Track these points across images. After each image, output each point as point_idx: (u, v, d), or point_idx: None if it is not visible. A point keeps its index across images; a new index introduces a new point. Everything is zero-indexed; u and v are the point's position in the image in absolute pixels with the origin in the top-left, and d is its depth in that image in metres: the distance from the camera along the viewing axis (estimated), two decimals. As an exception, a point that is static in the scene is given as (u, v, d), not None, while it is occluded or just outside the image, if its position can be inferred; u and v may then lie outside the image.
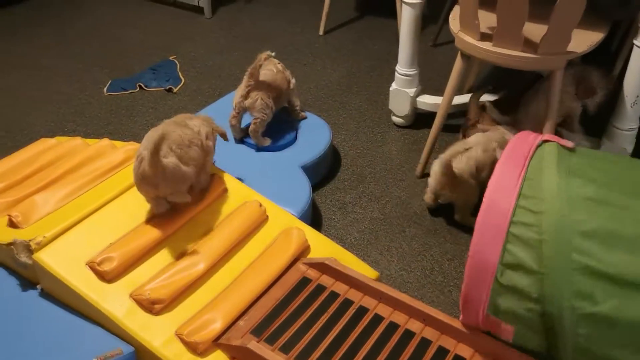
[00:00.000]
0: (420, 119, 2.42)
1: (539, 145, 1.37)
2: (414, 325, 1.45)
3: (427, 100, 2.33)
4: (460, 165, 1.81)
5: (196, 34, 3.24)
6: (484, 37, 1.82)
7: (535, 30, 1.76)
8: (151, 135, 1.54)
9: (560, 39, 1.72)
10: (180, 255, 1.56)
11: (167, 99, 2.67)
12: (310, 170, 2.01)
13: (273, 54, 2.04)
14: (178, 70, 2.90)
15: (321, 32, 3.22)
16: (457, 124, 2.37)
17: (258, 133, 2.03)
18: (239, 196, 1.75)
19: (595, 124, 2.06)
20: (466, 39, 1.85)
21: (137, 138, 2.38)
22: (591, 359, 1.25)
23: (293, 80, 2.18)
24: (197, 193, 1.70)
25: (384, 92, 2.66)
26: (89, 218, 1.60)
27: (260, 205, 1.70)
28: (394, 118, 2.43)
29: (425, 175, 2.14)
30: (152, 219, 1.62)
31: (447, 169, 1.79)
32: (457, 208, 1.89)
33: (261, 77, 2.03)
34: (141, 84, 2.75)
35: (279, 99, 2.09)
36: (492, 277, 1.29)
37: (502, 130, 1.95)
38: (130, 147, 1.86)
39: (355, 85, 2.73)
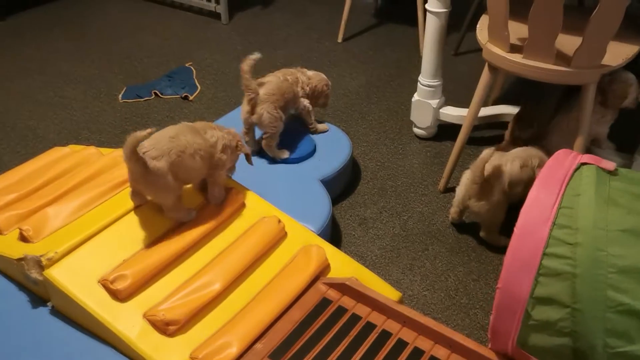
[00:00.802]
0: (443, 131, 2.35)
1: (576, 168, 1.30)
2: (440, 352, 1.38)
3: (451, 112, 2.26)
4: (495, 163, 1.75)
5: (212, 40, 3.19)
6: (514, 48, 1.75)
7: (568, 42, 1.69)
8: (160, 134, 1.51)
9: (595, 52, 1.65)
10: (195, 273, 1.50)
11: (183, 106, 2.62)
12: (329, 183, 1.95)
13: (259, 56, 1.97)
14: (194, 77, 2.85)
15: (340, 40, 3.16)
16: (482, 136, 2.30)
17: (272, 147, 1.97)
18: (257, 212, 1.68)
19: (628, 139, 1.97)
20: (495, 51, 1.78)
21: (152, 147, 2.34)
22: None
23: (312, 84, 2.13)
24: (213, 208, 1.64)
25: (404, 102, 2.59)
26: (102, 233, 1.54)
27: (279, 221, 1.64)
28: (415, 130, 2.36)
29: (448, 190, 2.07)
30: (167, 235, 1.56)
31: (479, 174, 1.72)
32: (484, 224, 1.81)
33: (262, 91, 1.97)
34: (157, 91, 2.70)
35: (286, 107, 2.03)
36: (523, 310, 1.22)
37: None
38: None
39: (374, 95, 2.67)
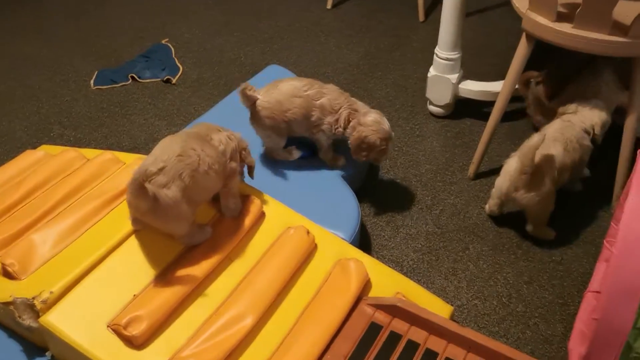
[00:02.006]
0: (459, 107, 2.14)
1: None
2: (516, 382, 1.20)
3: (472, 87, 2.05)
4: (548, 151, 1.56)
5: (189, 13, 2.87)
6: (561, 17, 1.54)
7: (624, 10, 1.48)
8: (163, 151, 1.26)
9: (658, 18, 1.45)
10: (220, 304, 1.27)
11: (166, 91, 2.33)
12: (350, 179, 1.72)
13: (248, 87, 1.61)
14: (174, 56, 2.55)
15: (329, 6, 2.89)
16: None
17: (275, 155, 1.71)
18: (280, 222, 1.45)
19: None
20: (538, 20, 1.56)
21: (137, 141, 2.07)
22: None
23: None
24: (229, 222, 1.41)
25: (411, 75, 2.37)
26: (103, 262, 1.29)
27: (308, 232, 1.42)
28: (430, 107, 2.14)
29: (478, 176, 1.87)
30: (181, 260, 1.32)
31: (529, 163, 1.52)
32: (531, 217, 1.62)
33: (260, 99, 1.63)
34: (133, 75, 2.40)
35: (290, 127, 1.65)
36: (623, 342, 1.04)
37: (569, 119, 1.67)
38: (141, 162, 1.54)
39: (377, 69, 2.43)
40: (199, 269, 1.30)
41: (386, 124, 1.62)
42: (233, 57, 2.52)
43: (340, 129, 1.61)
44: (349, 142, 1.62)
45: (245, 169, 1.47)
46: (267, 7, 2.90)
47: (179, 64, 2.49)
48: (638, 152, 1.28)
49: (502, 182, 1.61)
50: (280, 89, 1.62)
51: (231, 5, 2.93)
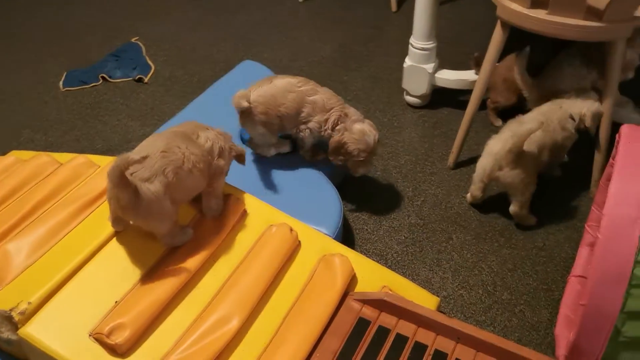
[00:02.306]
0: (436, 97, 2.13)
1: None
2: (506, 371, 1.20)
3: (448, 77, 2.04)
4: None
5: (159, 10, 2.82)
6: (536, 3, 1.53)
7: (596, -6, 1.48)
8: (147, 147, 1.23)
9: (632, 1, 1.45)
10: (205, 307, 1.25)
11: (139, 91, 2.28)
12: (330, 174, 1.70)
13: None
14: (144, 54, 2.49)
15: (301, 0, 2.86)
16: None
17: (263, 153, 1.70)
18: (262, 220, 1.43)
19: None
20: (513, 7, 1.56)
21: (111, 143, 2.02)
22: None
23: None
24: (211, 222, 1.38)
25: (387, 66, 2.36)
26: (82, 270, 1.26)
27: (291, 229, 1.40)
28: (407, 98, 2.13)
29: (458, 165, 1.87)
30: (162, 263, 1.29)
31: (521, 145, 1.54)
32: (516, 196, 1.63)
33: (253, 94, 1.62)
34: (104, 75, 2.35)
35: (283, 125, 1.63)
36: (611, 327, 1.04)
37: (561, 104, 1.68)
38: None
39: (352, 61, 2.41)
40: (181, 272, 1.27)
41: (372, 138, 1.58)
42: (206, 54, 2.48)
43: (329, 130, 1.59)
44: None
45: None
46: (238, 2, 2.86)
47: (150, 63, 2.44)
48: (617, 136, 1.29)
49: (486, 163, 1.61)
50: (275, 84, 1.60)
51: (201, 2, 2.88)
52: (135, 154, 1.19)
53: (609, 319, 1.04)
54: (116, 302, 1.21)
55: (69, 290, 1.22)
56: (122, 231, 1.33)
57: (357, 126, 1.58)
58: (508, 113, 1.83)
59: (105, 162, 1.54)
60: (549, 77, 1.84)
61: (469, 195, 1.72)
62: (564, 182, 1.80)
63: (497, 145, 1.58)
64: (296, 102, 1.58)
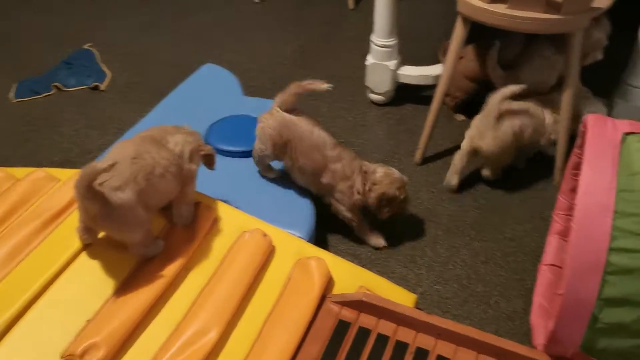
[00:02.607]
0: (399, 94, 2.14)
1: (622, 140, 1.13)
2: (487, 363, 1.21)
3: (411, 73, 2.05)
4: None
5: (111, 14, 2.74)
6: (495, -2, 1.55)
7: (554, -13, 1.51)
8: (116, 155, 1.18)
9: (588, -6, 1.49)
10: (182, 319, 1.21)
11: (95, 99, 2.21)
12: (300, 174, 1.69)
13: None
14: (99, 61, 2.42)
15: (257, 0, 2.82)
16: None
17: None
18: (235, 226, 1.40)
19: (603, 83, 1.86)
20: (473, 2, 1.57)
21: (69, 154, 1.95)
22: None
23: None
24: (182, 231, 1.35)
25: (348, 65, 2.35)
26: (49, 289, 1.21)
27: (265, 234, 1.37)
28: (371, 96, 2.13)
29: (426, 161, 1.88)
30: (134, 276, 1.25)
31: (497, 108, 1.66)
32: (491, 164, 1.74)
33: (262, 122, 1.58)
34: (57, 84, 2.27)
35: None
36: (589, 314, 1.06)
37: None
38: (79, 178, 1.44)
39: (313, 60, 2.40)
40: (155, 284, 1.24)
41: (396, 173, 1.55)
42: (163, 58, 2.43)
43: (359, 196, 1.53)
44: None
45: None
46: (194, 4, 2.80)
47: (105, 69, 2.37)
48: (581, 126, 1.31)
49: (470, 133, 1.71)
50: (313, 132, 1.54)
51: (155, 4, 2.81)
52: (103, 162, 1.15)
53: (587, 307, 1.06)
54: (88, 320, 1.17)
55: (36, 311, 1.17)
56: (91, 245, 1.28)
57: (379, 173, 1.54)
58: (469, 109, 1.86)
59: (67, 176, 1.49)
60: (520, 68, 1.84)
61: (447, 175, 1.75)
62: (527, 172, 1.83)
63: (477, 120, 1.69)
64: (317, 163, 1.52)
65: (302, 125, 1.54)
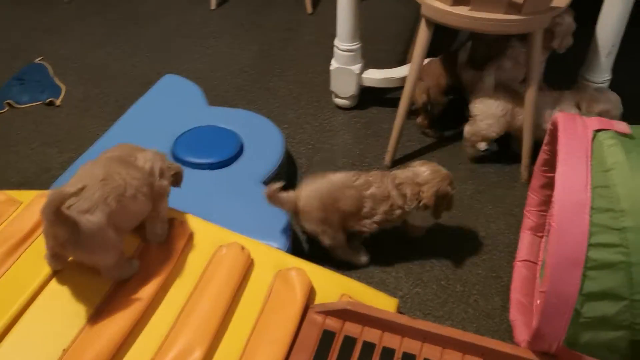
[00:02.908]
0: (364, 97, 2.14)
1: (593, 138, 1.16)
2: (473, 363, 1.22)
3: (375, 76, 2.05)
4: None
5: (62, 26, 2.65)
6: (458, 1, 1.57)
7: (514, -12, 1.54)
8: (83, 177, 1.14)
9: (547, -6, 1.52)
10: (163, 340, 1.18)
11: (51, 115, 2.13)
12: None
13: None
14: (52, 75, 2.33)
15: (213, 7, 2.79)
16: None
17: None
18: (211, 241, 1.37)
19: (560, 78, 1.91)
20: (436, 5, 1.59)
21: (26, 174, 1.88)
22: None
23: None
24: (157, 249, 1.31)
25: (310, 69, 2.34)
26: (21, 319, 1.15)
27: (243, 247, 1.35)
28: (336, 100, 2.13)
29: (395, 163, 1.89)
30: (111, 299, 1.21)
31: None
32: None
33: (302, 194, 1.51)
34: (9, 101, 2.17)
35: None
36: (572, 310, 1.08)
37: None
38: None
39: (275, 66, 2.37)
40: (133, 307, 1.19)
41: (442, 168, 1.50)
42: (120, 70, 2.36)
43: (407, 205, 1.48)
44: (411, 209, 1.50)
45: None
46: (147, 13, 2.74)
47: (60, 84, 2.28)
48: (550, 124, 1.34)
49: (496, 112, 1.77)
50: (329, 179, 1.49)
51: (107, 14, 2.73)
52: (71, 185, 1.10)
53: (569, 302, 1.08)
54: (64, 349, 1.12)
55: (9, 343, 1.11)
56: (61, 270, 1.23)
57: (424, 174, 1.48)
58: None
59: (29, 198, 1.42)
60: (489, 68, 1.85)
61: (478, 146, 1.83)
62: (493, 170, 1.86)
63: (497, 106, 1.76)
64: (355, 199, 1.48)
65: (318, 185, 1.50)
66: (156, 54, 2.46)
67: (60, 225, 1.06)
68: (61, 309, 1.18)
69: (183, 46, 2.51)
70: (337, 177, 1.50)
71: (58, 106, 2.17)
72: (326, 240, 1.51)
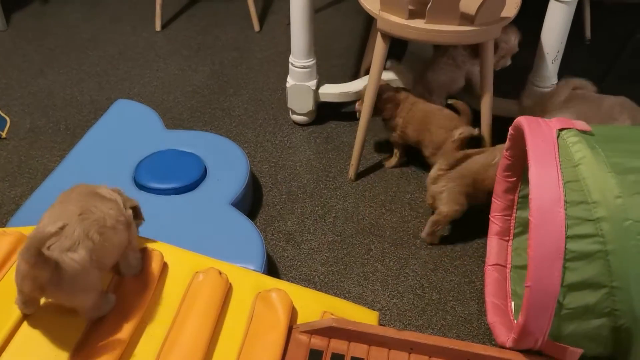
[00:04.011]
0: (320, 112, 2.15)
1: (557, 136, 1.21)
2: (460, 369, 1.24)
3: (331, 91, 2.07)
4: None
5: (-2, 55, 2.54)
6: (413, 14, 1.61)
7: (467, 1, 1.59)
8: (59, 216, 1.08)
9: (497, 5, 1.58)
10: (147, 376, 1.14)
11: (-3, 148, 2.04)
12: (239, 205, 1.65)
13: None
14: (-6, 106, 2.23)
15: (158, 28, 2.74)
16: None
17: None
18: (187, 268, 1.34)
19: (513, 85, 1.98)
20: (392, 19, 1.62)
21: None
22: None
23: None
24: (132, 281, 1.27)
25: (264, 87, 2.34)
26: (-6, 367, 1.09)
27: (220, 272, 1.32)
28: (294, 117, 2.13)
29: (359, 176, 1.90)
30: (88, 338, 1.16)
31: None
32: None
33: None
34: (-50, 136, 2.06)
35: None
36: (555, 303, 1.12)
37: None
38: (10, 236, 1.31)
39: (228, 86, 2.36)
40: (112, 344, 1.15)
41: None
42: (67, 97, 2.28)
43: None
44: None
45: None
46: (89, 37, 2.66)
47: (3, 115, 2.18)
48: (510, 129, 1.39)
49: None
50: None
51: (44, 42, 2.64)
52: (48, 224, 1.05)
53: (552, 295, 1.11)
54: (44, 395, 1.06)
55: (-17, 394, 1.05)
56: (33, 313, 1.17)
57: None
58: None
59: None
60: (427, 72, 1.95)
61: None
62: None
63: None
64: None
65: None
66: (103, 79, 2.39)
67: (42, 267, 1.01)
68: (37, 353, 1.12)
69: (130, 69, 2.45)
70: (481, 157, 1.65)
71: (4, 139, 2.07)
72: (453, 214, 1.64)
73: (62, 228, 1.03)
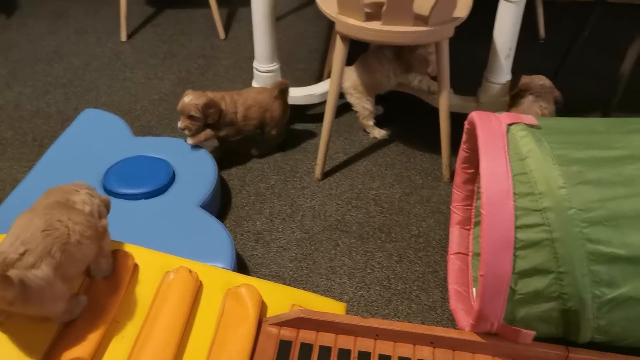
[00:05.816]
0: (287, 115, 2.20)
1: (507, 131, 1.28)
2: (424, 352, 1.29)
3: (297, 94, 2.12)
4: None
5: (-40, 69, 2.54)
6: (370, 16, 1.67)
7: (420, 3, 1.66)
8: (23, 229, 1.10)
9: (449, 5, 1.65)
10: (121, 373, 1.17)
11: (-36, 162, 2.04)
12: (208, 207, 1.69)
13: None
14: (-41, 121, 2.23)
15: (124, 38, 2.76)
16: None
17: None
18: (156, 268, 1.37)
19: (469, 82, 2.06)
20: (350, 22, 1.68)
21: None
22: (610, 337, 1.23)
23: None
24: (103, 283, 1.29)
25: (231, 93, 2.37)
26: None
27: (191, 271, 1.36)
28: (260, 120, 2.17)
29: (326, 175, 1.96)
30: (59, 342, 1.18)
31: None
32: None
33: None
34: None
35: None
36: (507, 288, 1.18)
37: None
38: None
39: (195, 92, 2.38)
40: (84, 346, 1.17)
41: None
42: (33, 109, 2.29)
43: None
44: None
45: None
46: (53, 49, 2.67)
47: (-31, 129, 2.19)
48: (465, 123, 1.46)
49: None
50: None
51: (8, 55, 2.64)
52: (9, 238, 1.07)
53: (505, 282, 1.17)
54: (18, 397, 1.08)
55: (-43, 398, 1.06)
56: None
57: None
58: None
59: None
60: (361, 71, 2.03)
61: None
62: (414, 173, 1.97)
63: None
64: None
65: None
66: (69, 90, 2.40)
67: (8, 287, 1.03)
68: (9, 357, 1.14)
69: (96, 80, 2.47)
70: None
71: (-30, 152, 2.08)
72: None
73: (23, 254, 1.05)
